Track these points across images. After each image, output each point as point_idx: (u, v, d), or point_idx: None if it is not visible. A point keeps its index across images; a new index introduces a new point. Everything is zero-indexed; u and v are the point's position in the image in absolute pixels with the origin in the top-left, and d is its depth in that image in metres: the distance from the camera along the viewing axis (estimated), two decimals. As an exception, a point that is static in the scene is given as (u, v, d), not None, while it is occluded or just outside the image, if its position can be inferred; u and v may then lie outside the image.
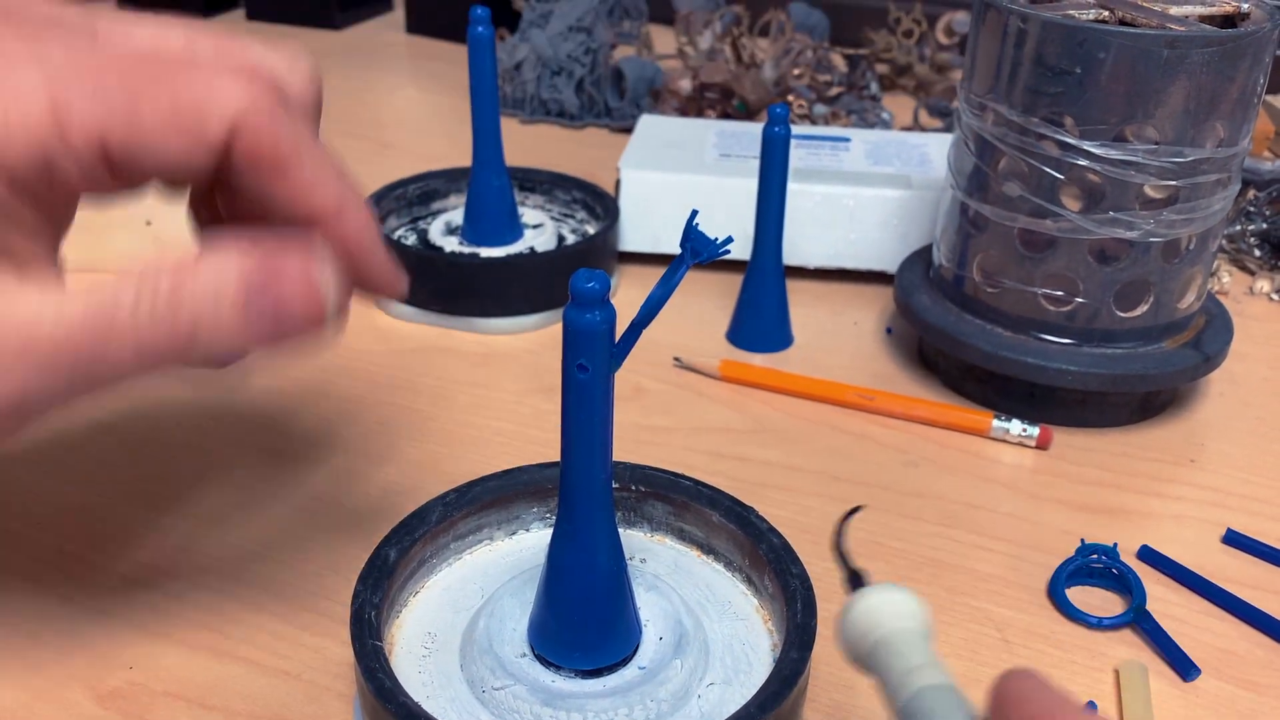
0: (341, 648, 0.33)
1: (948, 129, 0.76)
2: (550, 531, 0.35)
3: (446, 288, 0.50)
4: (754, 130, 0.63)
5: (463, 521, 0.33)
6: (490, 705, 0.28)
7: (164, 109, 0.24)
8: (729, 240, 0.25)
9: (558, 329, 0.52)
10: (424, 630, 0.31)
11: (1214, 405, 0.47)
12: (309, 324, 0.25)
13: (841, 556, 0.25)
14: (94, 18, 0.27)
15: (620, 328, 0.26)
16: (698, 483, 0.34)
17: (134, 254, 0.54)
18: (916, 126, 0.78)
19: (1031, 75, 0.41)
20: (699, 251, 0.25)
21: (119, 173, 0.24)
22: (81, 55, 0.24)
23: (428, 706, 0.27)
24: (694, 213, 0.25)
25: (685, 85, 0.76)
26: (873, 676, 0.22)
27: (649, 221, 0.57)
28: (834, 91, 0.80)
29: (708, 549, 0.34)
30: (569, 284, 0.25)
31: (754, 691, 0.29)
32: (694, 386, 0.47)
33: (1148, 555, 0.38)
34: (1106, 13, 0.42)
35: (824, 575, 0.36)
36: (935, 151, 0.60)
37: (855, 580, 0.24)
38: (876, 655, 0.22)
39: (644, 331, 0.26)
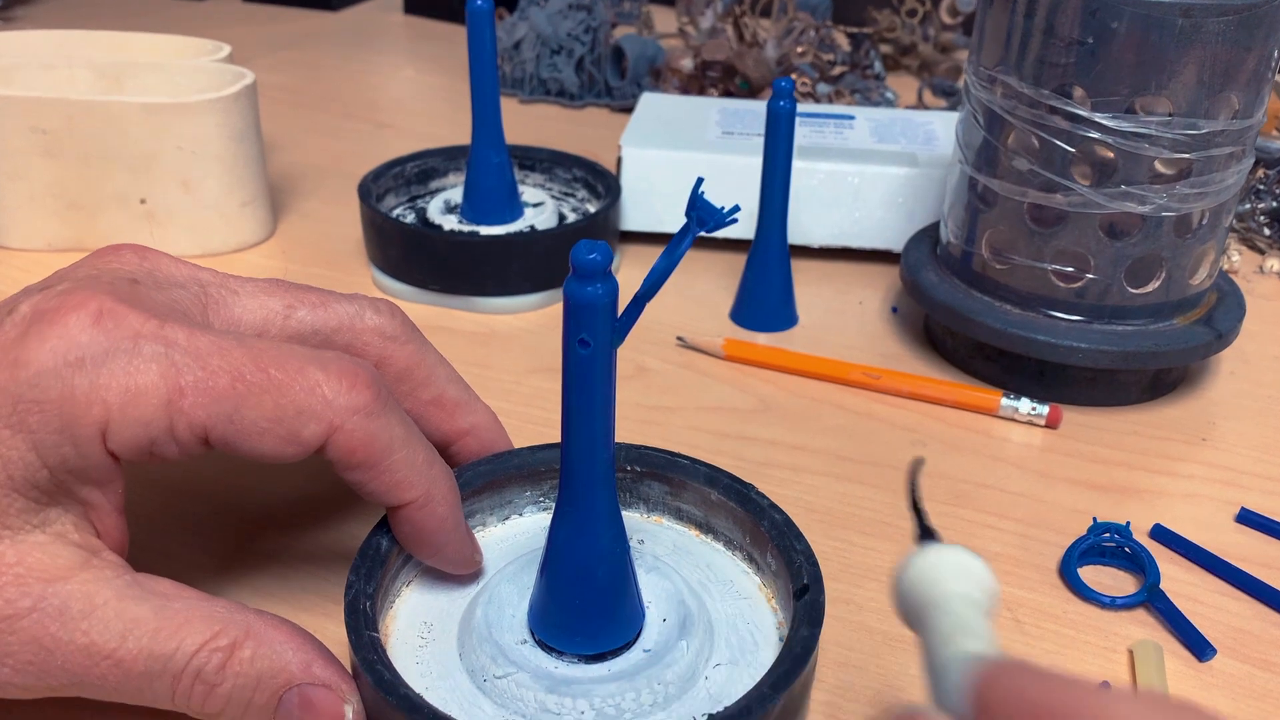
0: (339, 628, 0.32)
1: (952, 109, 0.75)
2: (544, 515, 0.34)
3: (445, 267, 0.50)
4: (757, 108, 0.62)
5: (456, 507, 0.33)
6: (492, 694, 0.28)
7: (266, 414, 0.26)
8: (736, 209, 0.24)
9: (558, 308, 0.51)
10: (419, 619, 0.30)
11: (1225, 384, 0.47)
12: None
13: (916, 510, 0.24)
14: (205, 287, 0.30)
15: (623, 306, 0.25)
16: (695, 461, 0.33)
17: (126, 229, 0.53)
18: (921, 106, 0.77)
19: (1042, 46, 0.40)
20: (705, 220, 0.24)
21: (213, 450, 0.27)
22: (199, 341, 0.26)
23: (428, 697, 0.26)
24: (699, 180, 0.24)
25: (687, 64, 0.76)
26: (918, 636, 0.21)
27: (651, 200, 0.56)
28: (837, 71, 0.79)
29: (706, 528, 0.34)
30: (570, 256, 0.24)
31: (760, 671, 0.28)
32: (697, 366, 0.47)
33: (1161, 534, 0.37)
34: (1118, -18, 0.41)
35: (830, 553, 0.36)
36: (941, 129, 0.59)
37: (926, 536, 0.23)
38: (925, 614, 0.21)
39: (647, 310, 0.25)
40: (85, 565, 0.26)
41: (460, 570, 0.31)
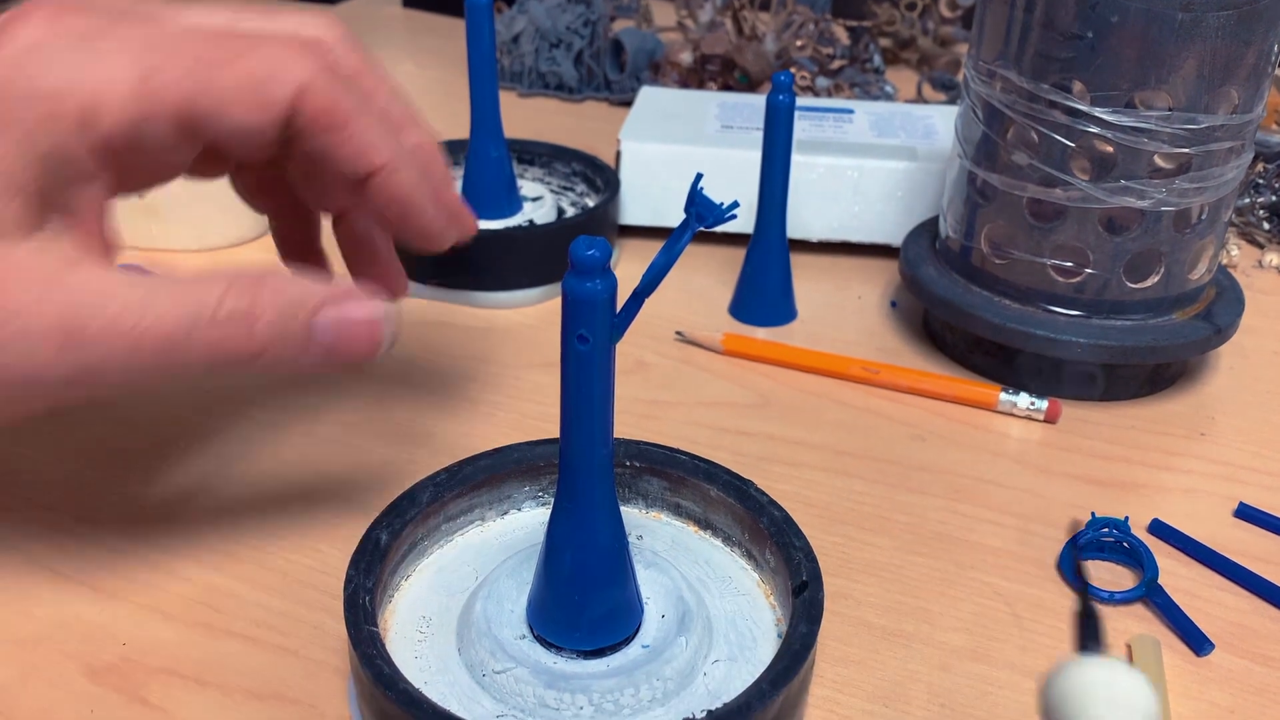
0: (338, 622, 0.32)
1: (952, 103, 0.75)
2: (543, 510, 0.34)
3: (443, 261, 0.49)
4: (756, 101, 0.62)
5: (454, 502, 0.33)
6: (491, 689, 0.28)
7: (239, 78, 0.27)
8: (735, 205, 0.24)
9: (557, 303, 0.51)
10: (418, 614, 0.30)
11: (1224, 378, 0.47)
12: (362, 356, 0.28)
13: (1084, 605, 0.21)
14: (152, 6, 0.30)
15: (621, 300, 0.25)
16: (694, 457, 0.33)
17: (125, 224, 0.53)
18: (920, 100, 0.77)
19: (1041, 40, 0.40)
20: (704, 216, 0.24)
21: (195, 141, 0.28)
22: (155, 35, 0.27)
23: (427, 692, 0.26)
24: (699, 176, 0.24)
25: (686, 57, 0.75)
26: None
27: (650, 194, 0.56)
28: (836, 64, 0.79)
29: (705, 524, 0.34)
30: (569, 252, 0.24)
31: (759, 667, 0.28)
32: (696, 361, 0.47)
33: (1159, 529, 0.37)
34: (1118, -24, 0.41)
35: (829, 548, 0.36)
36: (941, 123, 0.59)
37: (1085, 632, 0.20)
38: None
39: (646, 304, 0.25)
40: (89, 263, 0.26)
41: (436, 245, 0.33)
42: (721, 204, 0.24)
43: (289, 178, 0.34)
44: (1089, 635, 0.21)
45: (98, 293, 0.26)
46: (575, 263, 0.24)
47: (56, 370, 0.26)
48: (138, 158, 0.27)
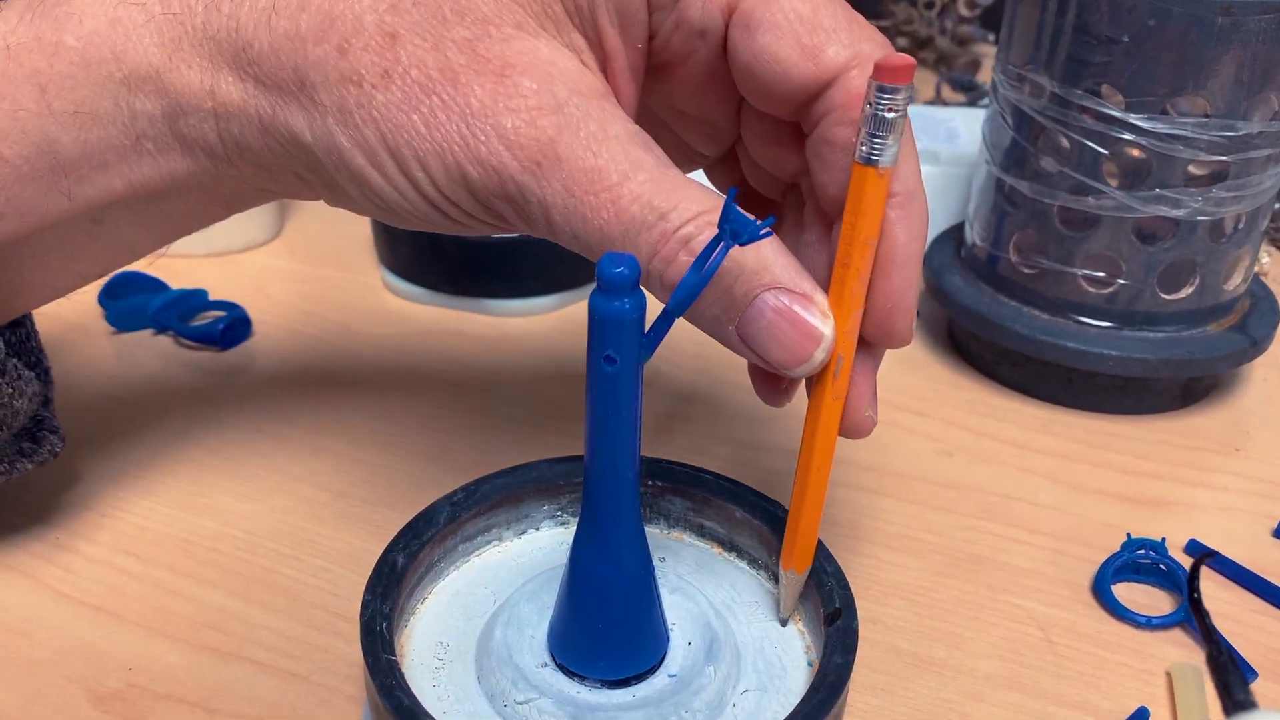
0: (350, 647, 0.31)
1: (970, 103, 0.74)
2: (561, 530, 0.33)
3: (457, 268, 0.48)
4: (773, 104, 0.61)
5: (471, 522, 0.32)
6: None
7: None
8: (770, 220, 0.23)
9: (572, 311, 0.50)
10: (435, 639, 0.29)
11: (1258, 391, 0.45)
12: (775, 361, 0.26)
13: (1218, 650, 0.18)
14: None
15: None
16: (719, 476, 0.32)
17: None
18: (939, 101, 0.76)
19: (1074, 44, 0.39)
20: (739, 234, 0.23)
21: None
22: None
23: (447, 722, 0.25)
24: (733, 190, 0.23)
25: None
26: None
27: (666, 199, 0.55)
28: (853, 64, 0.78)
29: (730, 545, 0.33)
30: (596, 269, 0.23)
31: (789, 697, 0.27)
32: (716, 372, 0.45)
33: (1196, 550, 0.36)
34: (1154, -22, 0.40)
35: (856, 569, 0.35)
36: (963, 126, 0.58)
37: (1234, 686, 0.18)
38: None
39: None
40: (605, 96, 0.25)
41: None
42: (755, 220, 0.23)
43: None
44: (1238, 688, 0.18)
45: (596, 136, 0.24)
46: (603, 281, 0.23)
47: (513, 172, 0.24)
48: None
